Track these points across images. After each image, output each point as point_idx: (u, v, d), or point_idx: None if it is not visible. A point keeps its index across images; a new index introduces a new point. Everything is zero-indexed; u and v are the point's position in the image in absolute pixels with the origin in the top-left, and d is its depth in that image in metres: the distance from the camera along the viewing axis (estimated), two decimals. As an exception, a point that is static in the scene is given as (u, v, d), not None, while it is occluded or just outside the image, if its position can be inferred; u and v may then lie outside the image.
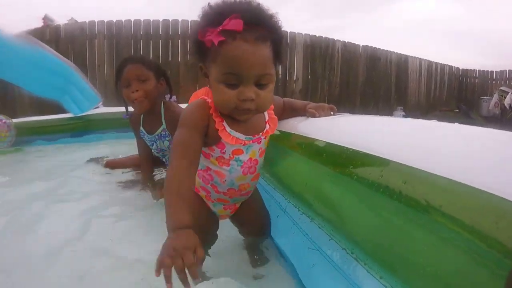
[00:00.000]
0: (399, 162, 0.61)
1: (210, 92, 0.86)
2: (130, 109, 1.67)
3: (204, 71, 0.85)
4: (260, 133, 0.92)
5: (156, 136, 1.63)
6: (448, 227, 0.49)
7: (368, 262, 0.66)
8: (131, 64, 1.52)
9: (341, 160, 0.81)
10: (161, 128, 1.61)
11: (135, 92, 1.49)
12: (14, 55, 2.38)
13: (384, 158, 0.65)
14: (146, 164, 1.77)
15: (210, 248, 1.00)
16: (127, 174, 1.96)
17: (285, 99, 1.16)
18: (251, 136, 0.89)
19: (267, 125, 0.94)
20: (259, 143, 0.92)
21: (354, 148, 0.76)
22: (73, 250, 1.11)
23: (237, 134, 0.87)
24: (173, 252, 0.60)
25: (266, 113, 0.95)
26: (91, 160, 2.24)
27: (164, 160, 1.78)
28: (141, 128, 1.67)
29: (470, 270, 0.46)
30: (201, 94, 0.95)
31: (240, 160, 0.90)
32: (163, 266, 0.58)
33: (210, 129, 0.85)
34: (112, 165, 2.06)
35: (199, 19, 0.81)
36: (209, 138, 0.86)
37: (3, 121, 2.70)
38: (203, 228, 0.94)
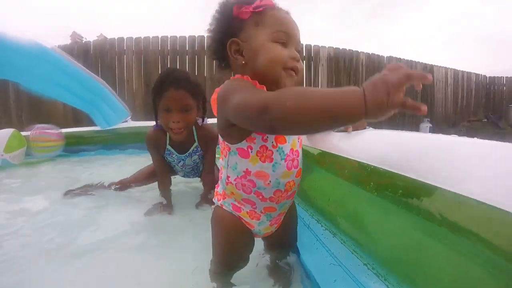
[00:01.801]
0: (419, 179, 0.62)
1: (238, 78, 0.81)
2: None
3: (237, 48, 0.82)
4: None
5: (187, 154, 1.64)
6: (470, 244, 0.50)
7: (389, 278, 0.66)
8: (176, 90, 1.40)
9: (363, 176, 0.83)
10: (194, 146, 1.62)
11: (176, 123, 1.44)
12: (43, 64, 2.50)
13: (404, 176, 0.66)
14: (167, 181, 1.71)
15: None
16: (142, 193, 1.87)
17: None
18: None
19: None
20: None
21: (375, 165, 0.78)
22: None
23: None
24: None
25: None
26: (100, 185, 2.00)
27: (181, 175, 1.82)
28: (168, 147, 1.62)
29: (487, 284, 0.47)
30: None
31: (283, 152, 0.81)
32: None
33: None
34: (121, 186, 1.89)
35: (222, 5, 0.85)
36: None
37: (56, 132, 2.89)
38: (240, 255, 0.94)
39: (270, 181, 0.82)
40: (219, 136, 0.85)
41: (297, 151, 0.86)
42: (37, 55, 2.42)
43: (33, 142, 2.76)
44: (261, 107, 0.60)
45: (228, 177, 0.86)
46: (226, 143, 0.83)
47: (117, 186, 1.89)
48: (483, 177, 0.53)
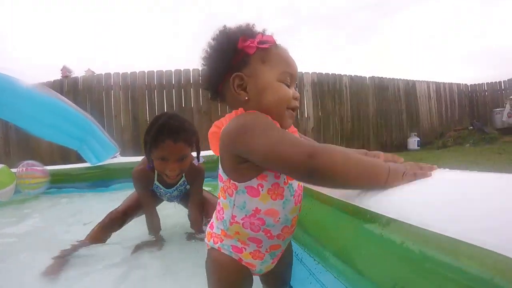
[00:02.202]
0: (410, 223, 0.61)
1: (241, 112, 0.79)
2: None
3: (240, 83, 0.79)
4: None
5: (174, 188, 1.67)
6: (457, 279, 0.49)
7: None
8: (172, 142, 1.36)
9: (354, 213, 0.82)
10: (181, 181, 1.65)
11: (171, 170, 1.43)
12: (32, 104, 2.51)
13: (390, 218, 0.65)
14: (155, 213, 1.68)
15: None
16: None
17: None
18: None
19: None
20: None
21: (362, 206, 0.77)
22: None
23: None
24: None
25: None
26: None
27: (166, 199, 1.78)
28: (156, 183, 1.64)
29: None
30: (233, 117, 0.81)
31: (293, 188, 0.82)
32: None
33: None
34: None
35: (223, 35, 0.81)
36: None
37: (41, 168, 2.84)
38: None
39: (279, 218, 0.81)
40: (224, 175, 0.81)
41: (300, 185, 0.87)
42: (25, 95, 2.43)
43: (20, 179, 2.71)
44: (310, 153, 0.64)
45: (233, 216, 0.82)
46: (232, 181, 0.79)
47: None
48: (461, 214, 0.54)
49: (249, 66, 0.79)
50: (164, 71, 5.95)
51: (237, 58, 0.79)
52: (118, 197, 2.64)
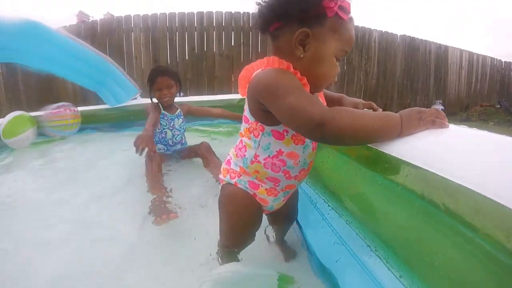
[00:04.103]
0: (423, 167, 0.62)
1: (279, 61, 0.78)
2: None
3: (303, 39, 0.75)
4: None
5: (175, 115, 2.23)
6: (465, 232, 0.51)
7: (390, 260, 0.68)
8: (161, 76, 2.12)
9: (371, 160, 0.83)
10: (178, 111, 2.26)
11: (165, 97, 2.16)
12: (53, 46, 2.51)
13: (408, 162, 0.66)
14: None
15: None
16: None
17: None
18: None
19: None
20: None
21: (379, 149, 0.77)
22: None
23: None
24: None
25: None
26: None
27: (170, 143, 2.23)
28: (163, 111, 2.19)
29: (483, 277, 0.48)
30: (265, 64, 0.81)
31: None
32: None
33: None
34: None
35: None
36: None
37: (73, 109, 2.86)
38: (251, 232, 0.97)
39: (299, 161, 0.87)
40: (251, 117, 0.84)
41: None
42: (42, 37, 2.41)
43: (50, 122, 2.70)
44: (318, 122, 0.65)
45: (256, 156, 0.86)
46: (259, 124, 0.83)
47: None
48: (485, 169, 0.53)
49: (321, 28, 0.75)
50: (186, 13, 5.71)
51: (314, 13, 0.74)
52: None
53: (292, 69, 0.77)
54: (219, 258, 1.02)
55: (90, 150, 2.62)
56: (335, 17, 0.74)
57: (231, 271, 0.87)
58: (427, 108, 0.73)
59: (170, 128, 2.22)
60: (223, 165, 0.98)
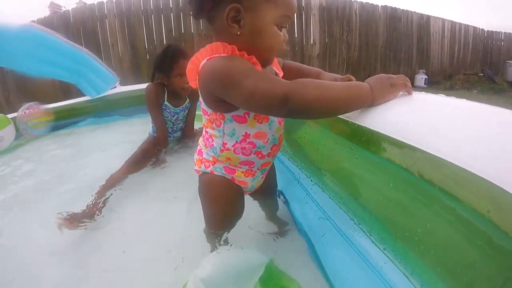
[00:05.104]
0: (406, 141, 0.61)
1: (222, 46, 0.75)
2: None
3: (235, 15, 0.71)
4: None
5: (181, 108, 2.00)
6: (447, 204, 0.51)
7: (373, 233, 0.69)
8: (185, 59, 1.76)
9: (351, 133, 0.82)
10: (186, 102, 2.02)
11: (187, 84, 1.66)
12: (25, 44, 2.39)
13: (389, 136, 0.65)
14: (165, 126, 1.96)
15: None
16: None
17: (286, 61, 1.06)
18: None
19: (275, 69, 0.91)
20: None
21: (359, 124, 0.77)
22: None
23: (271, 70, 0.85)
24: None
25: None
26: None
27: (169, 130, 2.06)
28: (166, 102, 1.93)
29: (464, 247, 0.48)
30: (210, 53, 0.77)
31: None
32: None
33: None
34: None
35: None
36: None
37: (42, 106, 2.75)
38: (235, 215, 0.96)
39: (268, 139, 0.85)
40: (208, 109, 0.82)
41: None
42: (15, 35, 2.30)
43: (22, 123, 2.58)
44: (282, 97, 0.63)
45: (224, 144, 0.84)
46: (218, 113, 0.80)
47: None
48: (459, 139, 0.53)
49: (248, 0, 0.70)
50: (160, -6, 5.51)
51: None
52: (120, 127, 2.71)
53: (237, 52, 0.73)
54: (206, 237, 0.99)
55: (85, 143, 2.55)
56: None
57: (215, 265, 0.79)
58: (411, 78, 0.72)
59: (172, 120, 2.03)
60: (196, 156, 0.95)
